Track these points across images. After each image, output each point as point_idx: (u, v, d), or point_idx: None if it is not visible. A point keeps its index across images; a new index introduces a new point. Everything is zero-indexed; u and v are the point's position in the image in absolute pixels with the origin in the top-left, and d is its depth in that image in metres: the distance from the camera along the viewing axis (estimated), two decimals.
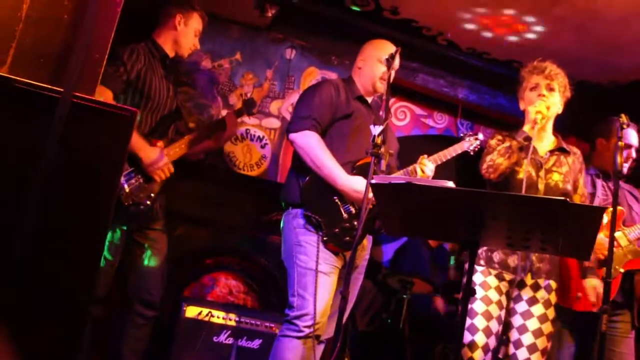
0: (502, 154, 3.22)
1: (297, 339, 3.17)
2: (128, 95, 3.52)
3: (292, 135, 3.41)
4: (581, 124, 4.01)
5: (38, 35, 1.96)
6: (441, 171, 3.58)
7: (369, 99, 3.66)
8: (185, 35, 3.76)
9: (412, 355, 4.80)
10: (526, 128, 3.24)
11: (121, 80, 3.46)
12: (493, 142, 3.38)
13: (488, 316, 3.17)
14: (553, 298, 3.25)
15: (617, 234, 3.45)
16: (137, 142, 3.46)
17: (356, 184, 3.31)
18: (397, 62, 3.54)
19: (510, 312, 3.25)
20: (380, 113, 3.01)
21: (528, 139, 3.21)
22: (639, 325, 3.75)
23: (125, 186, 3.41)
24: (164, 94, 3.65)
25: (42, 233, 1.80)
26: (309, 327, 3.18)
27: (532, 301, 3.23)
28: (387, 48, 3.60)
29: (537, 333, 3.18)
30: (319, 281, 3.23)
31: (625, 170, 3.85)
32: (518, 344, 3.19)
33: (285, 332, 3.23)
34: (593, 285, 3.54)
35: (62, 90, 1.83)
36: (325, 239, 3.29)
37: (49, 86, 1.84)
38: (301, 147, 3.37)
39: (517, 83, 3.49)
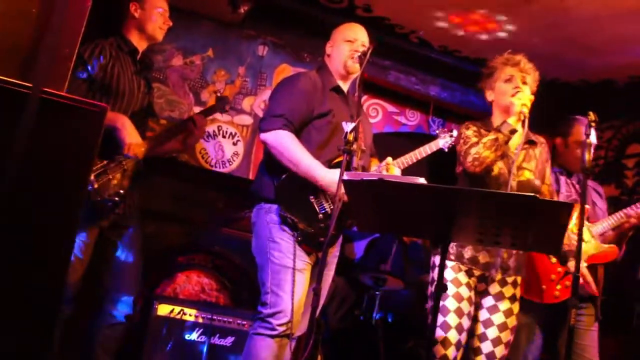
0: (488, 147, 3.14)
1: (271, 337, 3.13)
2: (95, 92, 3.40)
3: (264, 135, 3.30)
4: (551, 123, 4.05)
5: (5, 29, 1.93)
6: (412, 166, 3.59)
7: (345, 86, 3.57)
8: (147, 18, 3.63)
9: (384, 352, 4.82)
10: (511, 120, 3.15)
11: (81, 79, 3.35)
12: (469, 132, 3.32)
13: (460, 313, 3.18)
14: (518, 293, 3.30)
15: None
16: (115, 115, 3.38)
17: (336, 177, 3.18)
18: (362, 35, 3.54)
19: (477, 306, 3.27)
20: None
21: (514, 132, 3.16)
22: (602, 318, 3.82)
23: (95, 182, 3.34)
24: (134, 90, 3.55)
25: (11, 231, 1.77)
26: (282, 325, 3.14)
27: (499, 296, 3.26)
28: (351, 28, 3.58)
29: (502, 327, 3.22)
30: (294, 279, 3.19)
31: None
32: (483, 337, 3.23)
33: (258, 330, 3.18)
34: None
35: (30, 85, 1.80)
36: (299, 239, 3.24)
37: (17, 81, 1.81)
38: (274, 147, 3.26)
39: (484, 74, 3.45)
